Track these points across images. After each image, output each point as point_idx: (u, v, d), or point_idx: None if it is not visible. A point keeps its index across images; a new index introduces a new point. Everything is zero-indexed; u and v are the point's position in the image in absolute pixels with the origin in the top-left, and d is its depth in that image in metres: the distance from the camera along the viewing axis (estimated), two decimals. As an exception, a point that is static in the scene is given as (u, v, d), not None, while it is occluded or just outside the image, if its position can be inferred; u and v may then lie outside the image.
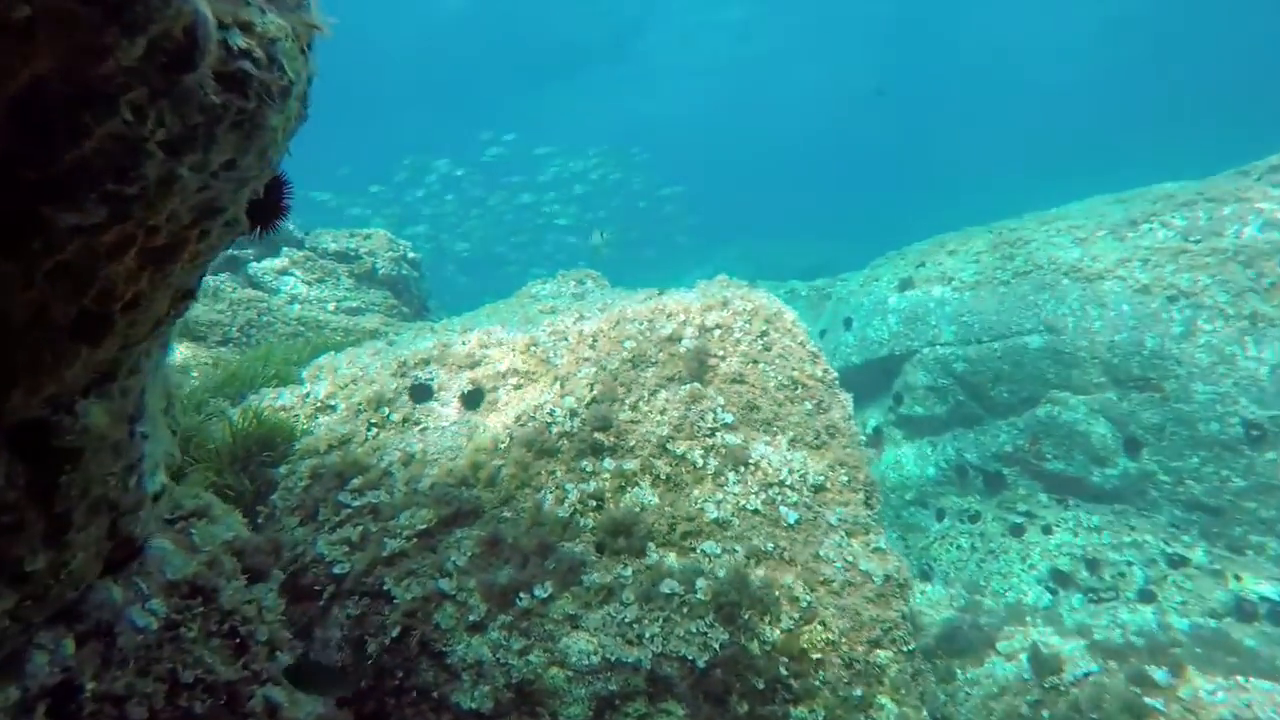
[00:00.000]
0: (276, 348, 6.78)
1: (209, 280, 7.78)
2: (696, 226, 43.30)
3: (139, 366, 2.03)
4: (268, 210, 1.93)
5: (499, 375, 5.34)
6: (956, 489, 10.84)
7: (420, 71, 45.80)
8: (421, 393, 5.35)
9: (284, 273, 8.76)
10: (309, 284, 8.85)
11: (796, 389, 5.15)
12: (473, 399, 5.25)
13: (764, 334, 5.43)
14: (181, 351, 7.13)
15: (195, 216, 1.67)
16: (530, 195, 34.41)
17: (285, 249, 9.03)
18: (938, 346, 11.32)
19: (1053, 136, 53.20)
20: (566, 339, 5.56)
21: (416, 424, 5.21)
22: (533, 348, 5.49)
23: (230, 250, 8.31)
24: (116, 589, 2.39)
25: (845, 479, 4.85)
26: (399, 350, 5.96)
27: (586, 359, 5.26)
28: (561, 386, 5.10)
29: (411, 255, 10.33)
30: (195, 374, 7.00)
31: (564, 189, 35.09)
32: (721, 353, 5.23)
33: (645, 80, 49.37)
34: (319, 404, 5.78)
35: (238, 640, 2.84)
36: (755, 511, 4.52)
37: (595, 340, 5.41)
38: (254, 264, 8.60)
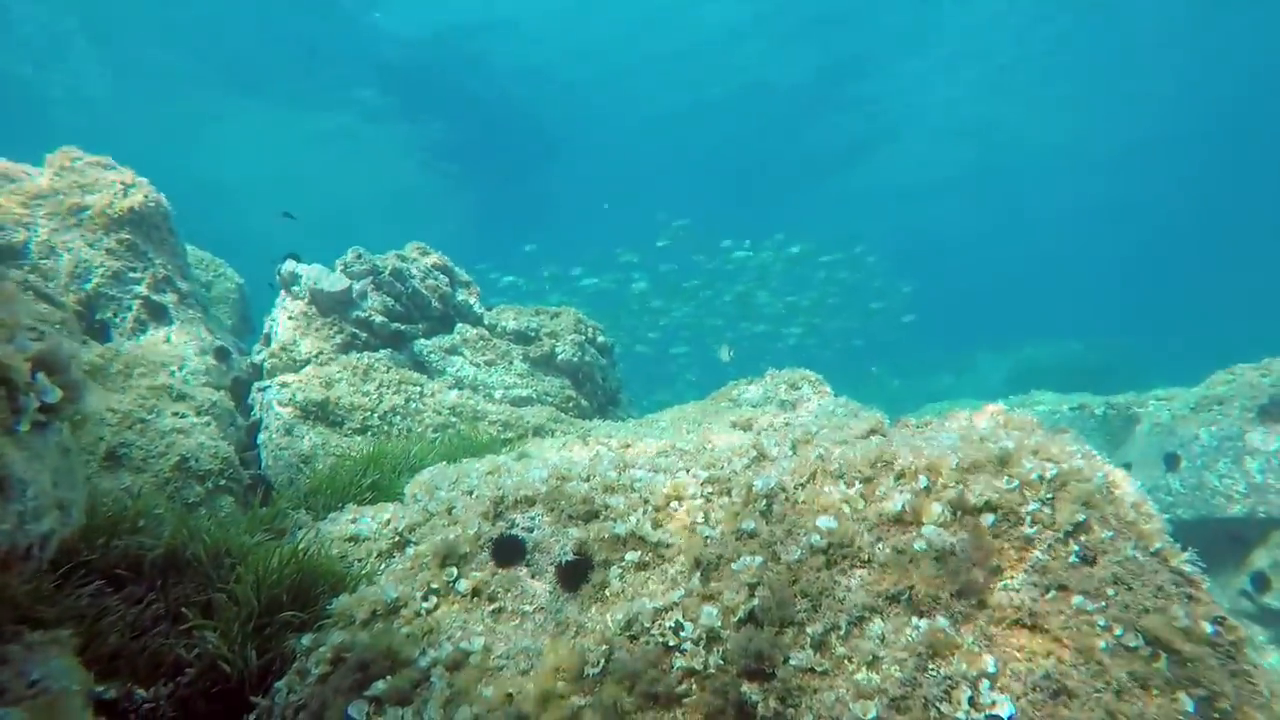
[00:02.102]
0: (390, 448, 5.53)
1: (361, 357, 6.92)
2: (938, 324, 38.84)
3: None
4: None
5: (616, 541, 3.46)
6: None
7: (614, 164, 46.03)
8: (509, 551, 3.64)
9: (452, 352, 7.75)
10: (477, 366, 7.75)
11: (1152, 654, 2.63)
12: (573, 575, 3.42)
13: (1079, 528, 2.98)
14: (311, 438, 6.20)
15: None
16: (709, 284, 32.81)
17: (460, 325, 8.08)
18: (1341, 517, 7.59)
19: None
20: (729, 493, 3.56)
21: (490, 600, 3.48)
22: (673, 503, 3.56)
23: (396, 324, 7.47)
24: None
25: None
26: (508, 478, 4.36)
27: (751, 536, 3.21)
28: (703, 581, 3.09)
29: (601, 340, 8.97)
30: (317, 467, 6.01)
31: (756, 277, 33.18)
32: (996, 560, 2.88)
33: (871, 171, 45.86)
34: (398, 537, 4.33)
35: None
36: None
37: (770, 505, 3.34)
38: (421, 341, 7.69)
